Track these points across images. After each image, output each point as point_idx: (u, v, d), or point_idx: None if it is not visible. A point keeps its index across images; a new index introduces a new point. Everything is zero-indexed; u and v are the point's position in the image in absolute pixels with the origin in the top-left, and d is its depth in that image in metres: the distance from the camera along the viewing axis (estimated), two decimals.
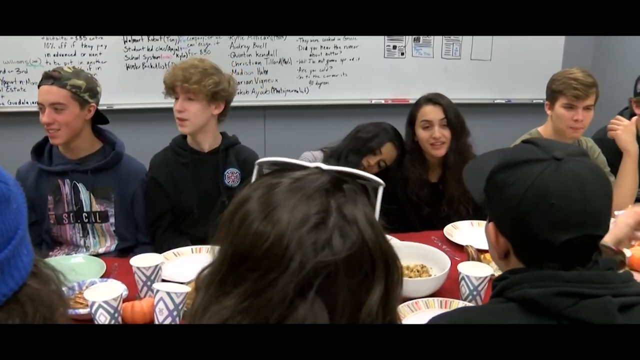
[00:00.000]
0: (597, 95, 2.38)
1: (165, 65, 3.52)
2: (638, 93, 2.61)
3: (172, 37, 3.50)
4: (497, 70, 3.99)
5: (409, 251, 1.88)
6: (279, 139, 3.80)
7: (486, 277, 1.63)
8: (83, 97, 2.03)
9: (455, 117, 2.31)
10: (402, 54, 3.85)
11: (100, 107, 2.17)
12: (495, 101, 4.07)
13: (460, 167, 2.33)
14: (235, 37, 3.58)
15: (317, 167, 0.75)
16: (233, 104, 3.71)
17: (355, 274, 0.67)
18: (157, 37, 3.49)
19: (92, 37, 3.39)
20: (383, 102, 3.89)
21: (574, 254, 0.96)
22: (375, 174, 2.48)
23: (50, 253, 2.15)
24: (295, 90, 3.77)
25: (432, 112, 2.31)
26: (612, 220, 1.27)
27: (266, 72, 3.70)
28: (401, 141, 2.40)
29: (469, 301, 1.64)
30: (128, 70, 3.49)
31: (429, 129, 2.31)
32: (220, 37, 3.56)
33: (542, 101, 4.15)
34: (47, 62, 3.34)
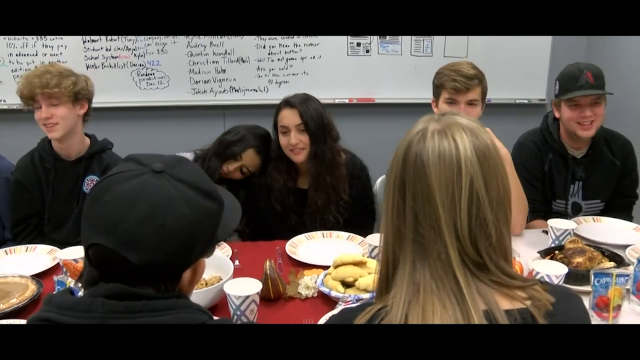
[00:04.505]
0: (483, 89, 2.13)
1: (124, 65, 3.60)
2: (557, 95, 2.31)
3: (129, 37, 3.56)
4: None
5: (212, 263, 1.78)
6: None
7: None
8: None
9: (314, 121, 2.15)
10: (367, 51, 3.67)
11: None
12: None
13: (323, 173, 2.18)
14: (191, 35, 3.58)
15: None
16: (192, 102, 3.76)
17: None
18: (115, 37, 3.57)
19: (52, 37, 3.52)
20: (347, 101, 3.74)
21: (97, 264, 0.90)
22: (239, 181, 2.36)
23: None
24: (254, 90, 3.71)
25: (288, 117, 2.18)
26: None
27: (224, 71, 3.67)
28: (268, 148, 2.28)
29: None
30: (88, 70, 3.58)
31: (287, 135, 2.17)
32: (177, 36, 3.57)
33: (526, 101, 3.85)
34: (10, 62, 3.52)
